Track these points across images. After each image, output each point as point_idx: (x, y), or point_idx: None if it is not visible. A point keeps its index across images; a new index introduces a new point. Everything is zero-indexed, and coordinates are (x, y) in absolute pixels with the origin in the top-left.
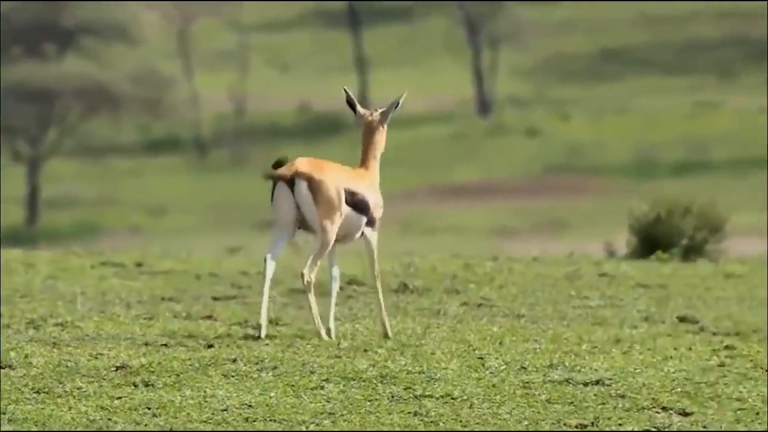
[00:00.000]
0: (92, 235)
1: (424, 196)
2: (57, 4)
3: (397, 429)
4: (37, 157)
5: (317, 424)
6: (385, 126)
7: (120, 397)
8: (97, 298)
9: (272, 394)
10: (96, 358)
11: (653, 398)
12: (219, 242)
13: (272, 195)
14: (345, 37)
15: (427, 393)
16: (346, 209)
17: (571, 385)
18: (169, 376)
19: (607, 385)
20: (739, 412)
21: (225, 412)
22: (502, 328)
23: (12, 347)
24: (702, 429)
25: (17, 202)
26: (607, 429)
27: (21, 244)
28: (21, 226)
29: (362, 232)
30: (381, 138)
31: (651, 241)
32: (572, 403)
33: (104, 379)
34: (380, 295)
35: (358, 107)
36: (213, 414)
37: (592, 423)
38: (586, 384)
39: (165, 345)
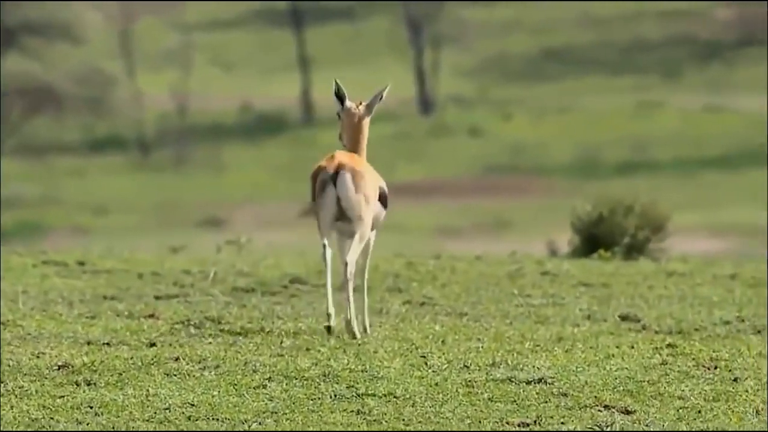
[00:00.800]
0: (35, 234)
1: None
2: None
3: (340, 428)
4: None
5: (260, 423)
6: (368, 119)
7: (62, 396)
8: (40, 297)
9: (215, 393)
10: (38, 357)
11: (595, 396)
12: (162, 241)
13: (317, 191)
14: (288, 37)
15: (369, 392)
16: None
17: (513, 384)
18: (112, 375)
19: (550, 384)
20: (681, 410)
21: (167, 411)
22: (445, 327)
23: None
24: (644, 427)
25: None
26: (550, 427)
27: None
28: None
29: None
30: (367, 131)
31: (593, 240)
32: (515, 401)
33: (46, 378)
34: (365, 294)
35: (347, 101)
36: (155, 413)
37: (535, 421)
38: (528, 382)
39: (107, 344)
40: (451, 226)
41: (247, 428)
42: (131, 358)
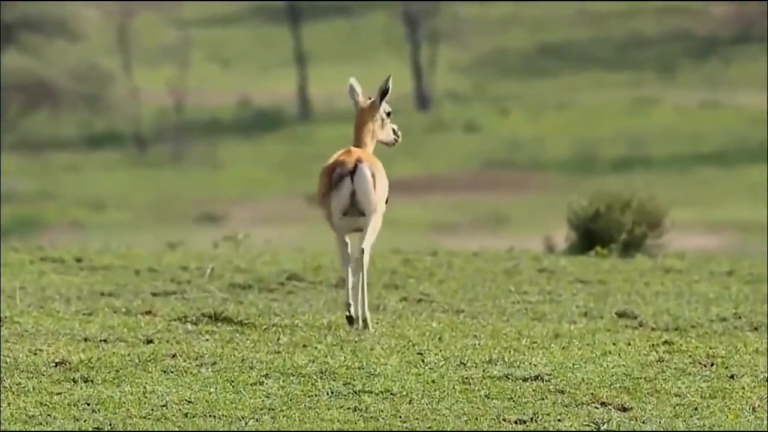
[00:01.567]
0: (32, 230)
1: None
2: None
3: (337, 424)
4: None
5: (257, 420)
6: (381, 115)
7: (59, 393)
8: (37, 293)
9: (212, 389)
10: (35, 353)
11: (592, 393)
12: (158, 237)
13: (335, 185)
14: (285, 33)
15: (366, 388)
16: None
17: (510, 381)
18: (109, 372)
19: (546, 381)
20: (677, 407)
21: (164, 408)
22: (442, 324)
23: None
24: (641, 424)
25: None
26: (546, 424)
27: None
28: None
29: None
30: (374, 126)
31: (590, 236)
32: (511, 398)
33: (43, 375)
34: (364, 285)
35: (360, 96)
36: (152, 410)
37: (531, 418)
38: (525, 379)
39: (104, 341)
40: (447, 223)
41: (244, 425)
42: (128, 354)
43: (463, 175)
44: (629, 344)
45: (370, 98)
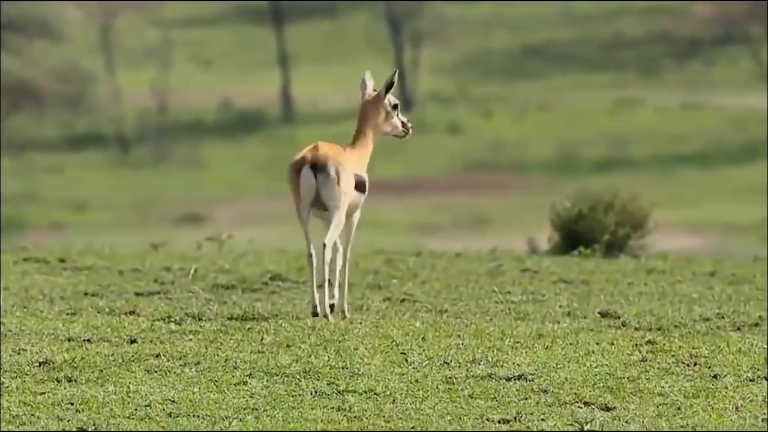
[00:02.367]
0: (14, 230)
1: None
2: None
3: (321, 424)
4: None
5: (240, 420)
6: (386, 107)
7: (43, 393)
8: (20, 293)
9: (195, 389)
10: (19, 353)
11: (575, 393)
12: (141, 238)
13: (297, 180)
14: (268, 33)
15: (350, 388)
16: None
17: (493, 380)
18: (92, 372)
19: (530, 380)
20: (660, 407)
21: (148, 408)
22: (425, 324)
23: None
24: (624, 424)
25: None
26: (530, 424)
27: None
28: None
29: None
30: (378, 118)
31: (573, 236)
32: (495, 398)
33: (27, 375)
34: (346, 274)
35: (369, 89)
36: (136, 409)
37: (515, 418)
38: (508, 379)
39: (88, 340)
40: (431, 223)
41: (227, 425)
42: (112, 354)
43: (446, 176)
44: (612, 344)
45: (375, 90)
